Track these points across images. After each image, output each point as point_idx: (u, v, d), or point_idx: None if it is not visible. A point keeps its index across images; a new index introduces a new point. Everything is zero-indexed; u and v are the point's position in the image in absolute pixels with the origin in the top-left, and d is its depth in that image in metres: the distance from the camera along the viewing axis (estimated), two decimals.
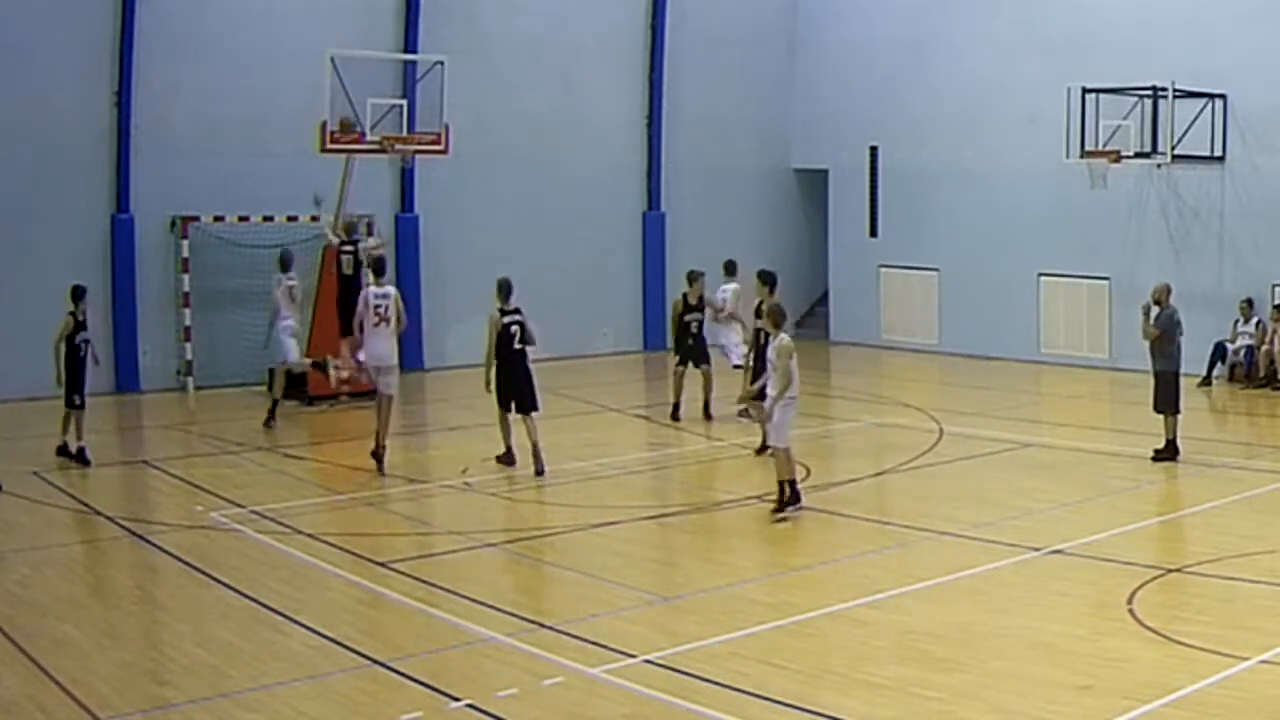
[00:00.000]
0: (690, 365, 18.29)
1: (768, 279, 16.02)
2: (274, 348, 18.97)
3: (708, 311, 18.52)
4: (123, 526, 12.79)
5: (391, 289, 15.86)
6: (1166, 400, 15.59)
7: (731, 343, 18.52)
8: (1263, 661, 8.62)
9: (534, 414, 15.31)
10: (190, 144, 21.26)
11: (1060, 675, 8.51)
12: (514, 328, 15.31)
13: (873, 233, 27.43)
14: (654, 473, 16.14)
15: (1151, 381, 15.84)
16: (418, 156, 21.14)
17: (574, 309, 24.77)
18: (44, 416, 19.12)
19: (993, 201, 25.08)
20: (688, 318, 18.31)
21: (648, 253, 26.76)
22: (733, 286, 18.71)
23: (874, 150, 27.18)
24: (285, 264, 18.77)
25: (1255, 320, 21.66)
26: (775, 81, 28.47)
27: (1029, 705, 8.03)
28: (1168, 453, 15.50)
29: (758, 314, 15.85)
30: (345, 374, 18.25)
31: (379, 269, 16.35)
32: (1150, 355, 15.94)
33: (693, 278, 18.49)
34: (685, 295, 18.42)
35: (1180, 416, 15.67)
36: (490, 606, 10.07)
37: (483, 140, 23.38)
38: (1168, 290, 16.07)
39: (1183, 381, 15.84)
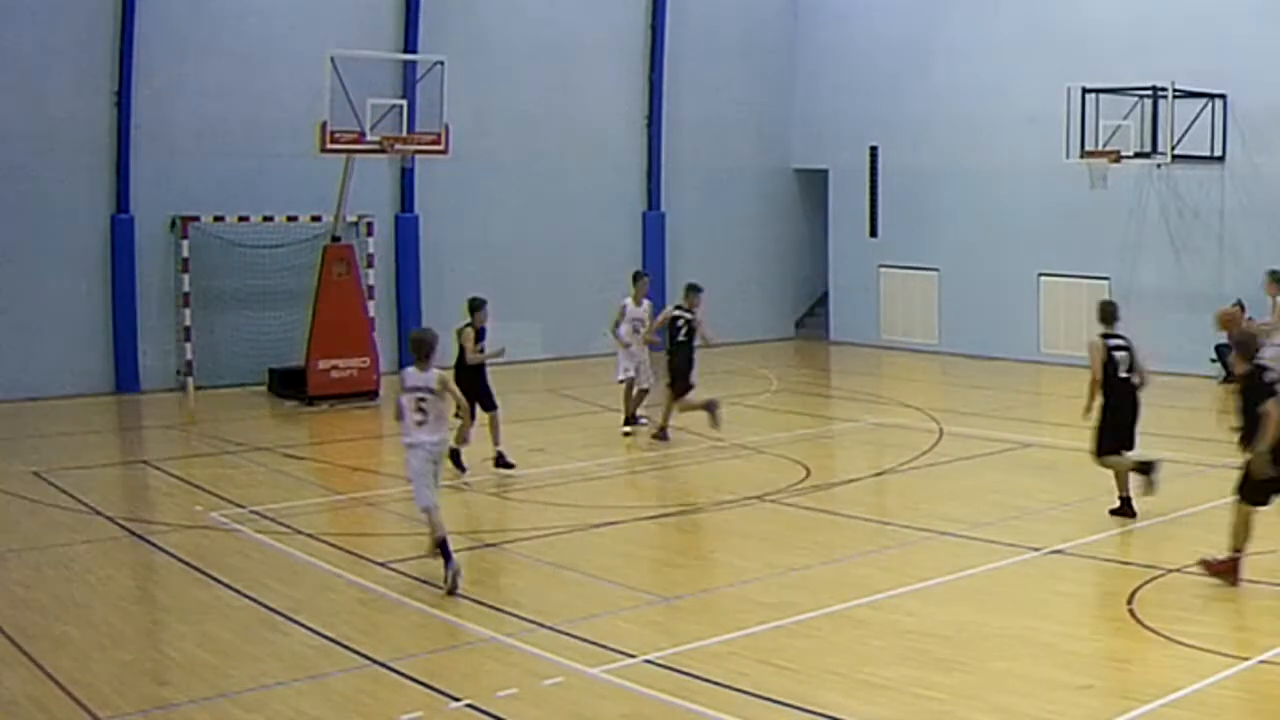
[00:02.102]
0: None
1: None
2: None
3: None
4: (123, 526, 12.79)
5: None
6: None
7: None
8: (1263, 661, 8.61)
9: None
10: (190, 144, 21.27)
11: (1060, 675, 8.51)
12: None
13: (873, 233, 27.44)
14: (654, 473, 16.14)
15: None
16: (418, 156, 21.14)
17: (574, 309, 24.75)
18: (44, 416, 19.17)
19: (993, 201, 25.09)
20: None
21: (648, 253, 26.75)
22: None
23: (874, 150, 27.19)
24: None
25: (1248, 319, 21.64)
26: (775, 81, 28.47)
27: (1029, 705, 8.03)
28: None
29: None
30: None
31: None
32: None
33: (475, 305, 15.92)
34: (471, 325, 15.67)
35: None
36: (490, 606, 10.07)
37: (483, 140, 23.40)
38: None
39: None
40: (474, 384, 14.75)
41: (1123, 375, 12.70)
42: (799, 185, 29.05)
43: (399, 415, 11.02)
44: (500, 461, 15.32)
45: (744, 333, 27.75)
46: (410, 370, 11.02)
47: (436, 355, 11.04)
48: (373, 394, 20.03)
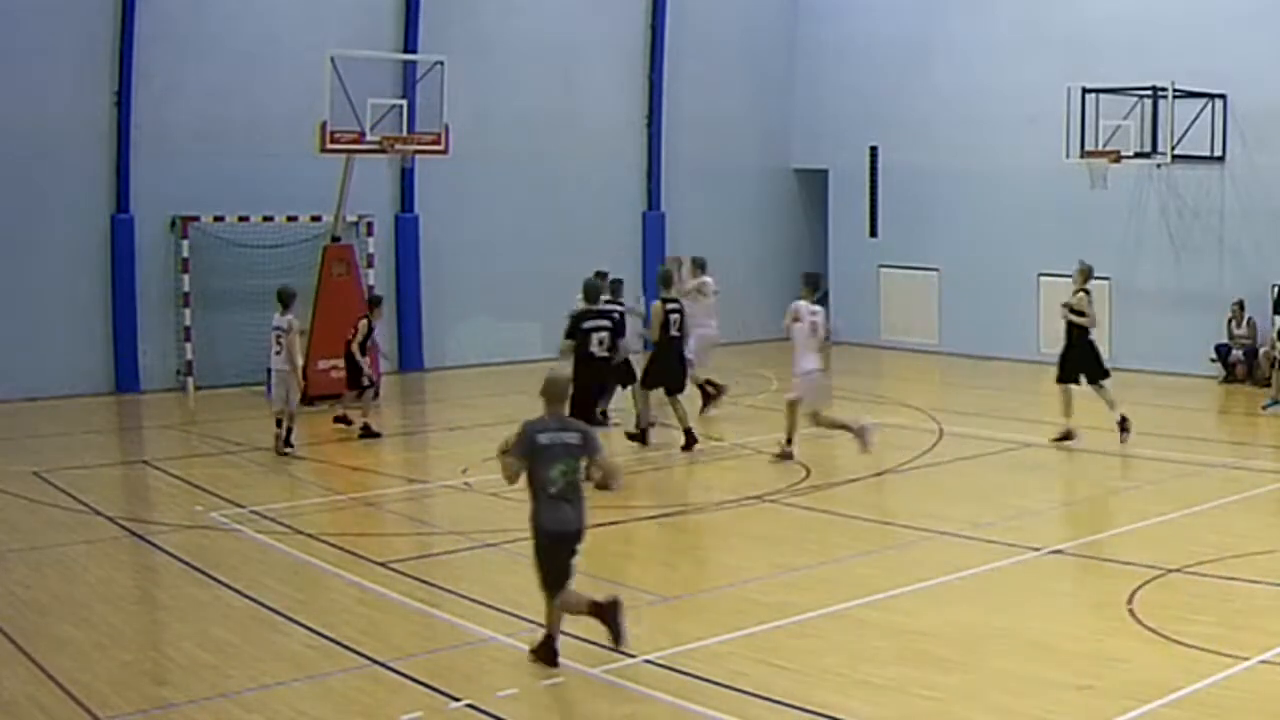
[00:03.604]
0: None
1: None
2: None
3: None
4: (123, 526, 12.79)
5: None
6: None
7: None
8: (1263, 661, 8.61)
9: None
10: (190, 144, 21.26)
11: (1060, 675, 8.50)
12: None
13: (873, 233, 27.45)
14: (654, 473, 16.13)
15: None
16: (418, 156, 21.13)
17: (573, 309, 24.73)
18: (44, 416, 19.18)
19: (993, 201, 25.09)
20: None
21: (648, 253, 26.75)
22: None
23: (874, 150, 27.19)
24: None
25: (1247, 319, 21.68)
26: (775, 81, 28.47)
27: (1029, 705, 8.03)
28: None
29: None
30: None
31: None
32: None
33: (371, 303, 18.22)
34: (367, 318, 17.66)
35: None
36: (490, 606, 10.06)
37: (483, 140, 23.38)
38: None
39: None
40: (352, 364, 17.51)
41: (595, 351, 14.62)
42: (799, 185, 29.04)
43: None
44: (340, 419, 17.95)
45: (744, 333, 27.75)
46: (275, 315, 15.93)
47: (295, 306, 16.17)
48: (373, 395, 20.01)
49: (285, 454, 16.15)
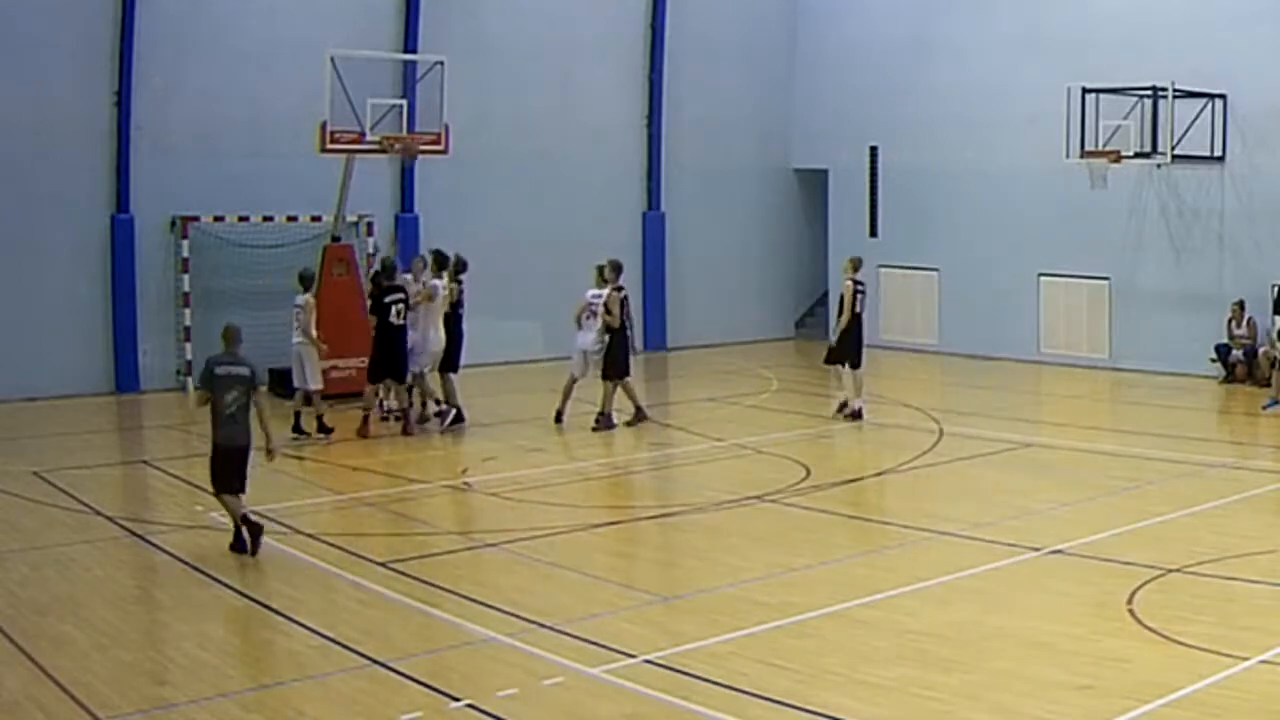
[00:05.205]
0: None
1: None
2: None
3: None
4: (123, 526, 12.79)
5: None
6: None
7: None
8: (1263, 661, 8.62)
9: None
10: (190, 144, 21.25)
11: (1060, 675, 8.51)
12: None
13: (873, 233, 27.42)
14: (654, 473, 16.14)
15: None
16: (417, 156, 21.09)
17: (574, 309, 24.72)
18: (44, 416, 19.18)
19: (993, 201, 25.08)
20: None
21: (648, 253, 26.75)
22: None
23: (874, 150, 27.18)
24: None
25: (1247, 319, 21.67)
26: (775, 81, 28.47)
27: (1029, 705, 8.03)
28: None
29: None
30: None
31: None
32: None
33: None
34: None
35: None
36: (490, 606, 10.07)
37: (483, 140, 23.37)
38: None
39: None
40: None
41: (393, 320, 17.01)
42: (799, 185, 29.04)
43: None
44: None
45: (744, 333, 27.76)
46: (297, 296, 17.09)
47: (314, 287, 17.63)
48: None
49: (295, 438, 17.02)
